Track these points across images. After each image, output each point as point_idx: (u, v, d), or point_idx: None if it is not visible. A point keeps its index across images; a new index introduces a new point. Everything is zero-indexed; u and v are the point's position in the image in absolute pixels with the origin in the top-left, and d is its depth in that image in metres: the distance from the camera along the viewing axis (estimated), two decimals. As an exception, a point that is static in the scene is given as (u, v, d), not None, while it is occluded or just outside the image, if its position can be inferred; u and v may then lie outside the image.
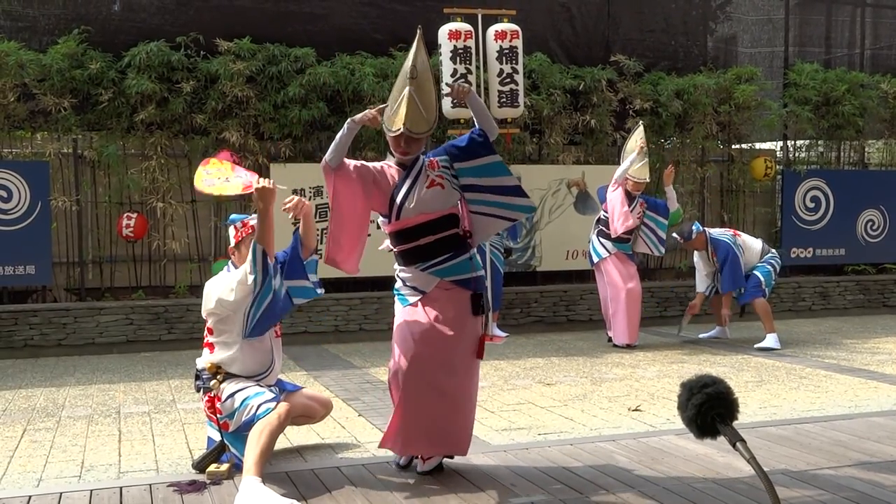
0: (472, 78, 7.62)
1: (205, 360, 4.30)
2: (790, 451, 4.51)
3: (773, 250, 8.70)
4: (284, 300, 4.27)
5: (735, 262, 8.40)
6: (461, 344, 4.07)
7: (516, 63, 7.83)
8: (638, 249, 8.62)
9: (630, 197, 8.33)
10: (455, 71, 7.61)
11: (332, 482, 4.06)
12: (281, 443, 4.63)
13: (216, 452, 4.24)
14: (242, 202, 9.12)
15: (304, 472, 4.25)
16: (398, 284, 4.20)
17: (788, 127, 11.32)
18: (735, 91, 10.61)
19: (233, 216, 4.41)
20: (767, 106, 10.92)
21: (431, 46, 8.41)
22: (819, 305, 11.02)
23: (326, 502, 3.81)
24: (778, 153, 11.71)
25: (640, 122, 8.97)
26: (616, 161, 8.67)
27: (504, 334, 8.77)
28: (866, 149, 12.31)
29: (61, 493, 3.93)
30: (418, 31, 4.09)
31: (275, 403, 4.12)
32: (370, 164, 4.15)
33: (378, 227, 4.44)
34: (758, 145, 11.64)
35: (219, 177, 4.10)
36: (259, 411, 4.08)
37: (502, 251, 8.80)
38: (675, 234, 8.71)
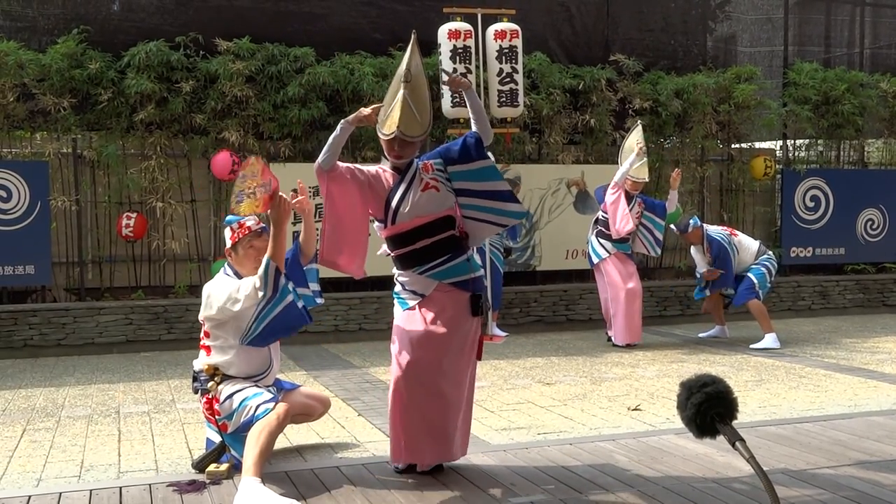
0: (471, 77, 7.63)
1: (202, 361, 4.30)
2: (790, 451, 4.51)
3: (770, 252, 8.68)
4: (298, 314, 4.17)
5: (726, 262, 8.40)
6: (461, 345, 4.07)
7: (516, 62, 7.84)
8: (635, 249, 8.62)
9: (628, 197, 8.33)
10: (455, 70, 7.62)
11: (331, 482, 4.06)
12: (280, 442, 4.63)
13: (216, 453, 4.24)
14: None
15: (303, 471, 4.25)
16: (397, 288, 4.18)
17: (788, 126, 11.32)
18: (734, 90, 10.61)
19: (229, 217, 4.39)
20: (767, 105, 10.92)
21: (431, 46, 8.45)
22: (819, 305, 11.03)
23: (326, 502, 3.81)
24: (777, 152, 11.71)
25: (639, 121, 8.97)
26: (615, 160, 8.67)
27: (504, 334, 8.81)
28: (866, 148, 12.31)
29: (61, 493, 3.93)
30: (413, 35, 4.09)
31: (273, 404, 4.11)
32: (364, 168, 4.13)
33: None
34: (757, 145, 11.65)
35: (249, 187, 4.05)
36: (258, 412, 4.08)
37: (502, 251, 8.80)
38: (672, 226, 8.73)
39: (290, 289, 4.13)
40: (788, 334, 9.11)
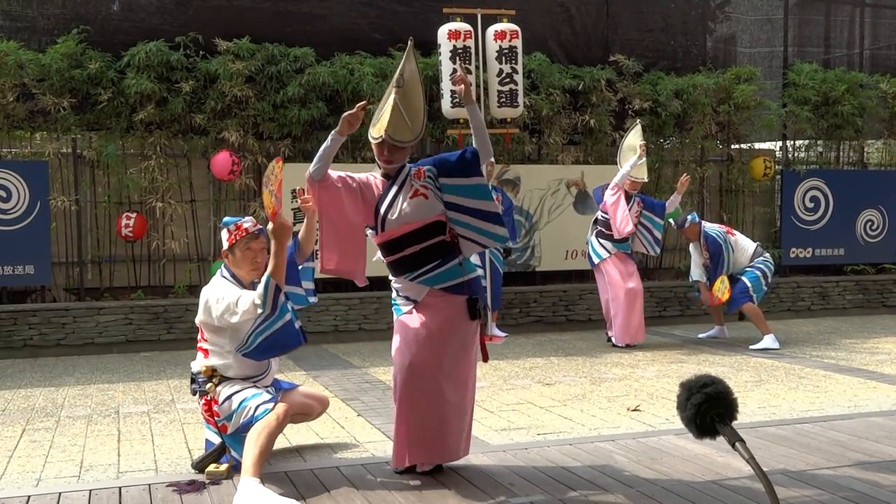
0: (471, 78, 7.62)
1: (200, 363, 4.29)
2: (789, 451, 4.51)
3: (767, 254, 8.67)
4: (294, 334, 4.16)
5: (721, 260, 8.42)
6: (457, 349, 4.05)
7: (516, 63, 7.84)
8: (634, 249, 8.62)
9: (627, 196, 8.33)
10: (454, 71, 7.61)
11: (331, 482, 4.06)
12: (280, 443, 4.63)
13: (216, 453, 4.24)
14: (242, 202, 9.13)
15: (303, 471, 4.25)
16: (393, 294, 4.19)
17: (788, 127, 11.32)
18: (734, 91, 10.61)
19: (226, 219, 4.39)
20: (766, 106, 10.92)
21: (431, 46, 8.45)
22: (818, 305, 11.03)
23: (325, 502, 3.81)
24: (777, 153, 11.71)
25: (638, 120, 8.98)
26: (615, 161, 8.67)
27: (503, 334, 8.80)
28: (865, 149, 12.31)
29: (60, 493, 3.93)
30: (409, 42, 4.09)
31: (273, 404, 4.11)
32: (356, 176, 4.11)
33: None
34: (757, 145, 11.64)
35: (273, 183, 4.09)
36: (257, 413, 4.08)
37: (502, 251, 8.80)
38: (670, 220, 8.75)
39: (289, 308, 4.14)
40: (788, 335, 9.12)
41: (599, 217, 8.51)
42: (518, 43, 7.85)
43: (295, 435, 5.03)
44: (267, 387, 4.35)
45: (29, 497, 3.88)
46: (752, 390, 6.35)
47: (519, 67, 7.86)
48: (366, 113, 4.01)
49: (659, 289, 10.31)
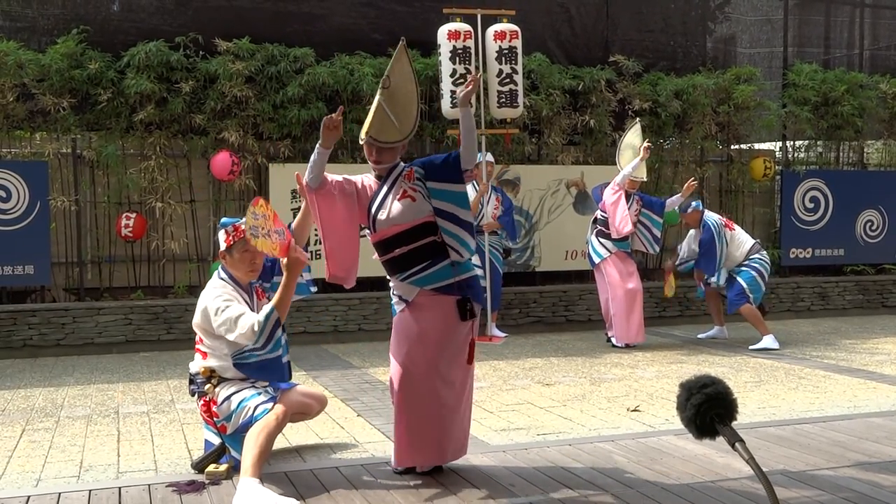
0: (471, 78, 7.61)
1: (198, 364, 4.29)
2: (789, 452, 4.51)
3: (764, 252, 8.65)
4: (280, 371, 4.19)
5: (709, 250, 8.43)
6: (451, 350, 4.05)
7: (515, 63, 7.83)
8: (634, 247, 8.62)
9: (626, 195, 8.33)
10: (454, 71, 7.62)
11: (330, 482, 4.06)
12: (279, 443, 4.63)
13: (216, 454, 4.24)
14: (242, 203, 9.13)
15: (302, 472, 4.25)
16: (391, 293, 4.21)
17: (787, 127, 11.32)
18: (734, 91, 10.62)
19: (224, 220, 4.37)
20: (766, 106, 10.93)
21: (431, 46, 8.45)
22: (818, 306, 11.03)
23: (325, 502, 3.80)
24: (777, 153, 11.72)
25: (637, 119, 8.98)
26: (615, 161, 8.67)
27: (503, 334, 8.79)
28: (865, 149, 12.32)
29: (60, 494, 3.93)
30: (401, 42, 4.09)
31: (272, 404, 4.11)
32: (353, 179, 4.14)
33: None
34: (757, 146, 11.65)
35: (263, 226, 4.06)
36: (256, 413, 4.08)
37: (501, 251, 8.80)
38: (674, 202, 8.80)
39: (283, 342, 4.16)
40: (788, 335, 9.12)
41: (599, 216, 8.51)
42: (518, 43, 7.84)
43: (294, 435, 5.03)
44: (266, 387, 4.35)
45: (28, 497, 3.88)
46: (751, 391, 6.35)
47: (519, 68, 7.86)
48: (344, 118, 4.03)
49: (658, 289, 10.29)
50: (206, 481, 4.07)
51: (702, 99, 10.38)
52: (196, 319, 4.24)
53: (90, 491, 3.97)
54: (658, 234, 8.64)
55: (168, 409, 5.84)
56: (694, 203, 8.67)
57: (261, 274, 4.41)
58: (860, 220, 11.41)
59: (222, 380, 4.24)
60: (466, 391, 4.19)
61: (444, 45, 7.70)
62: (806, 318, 10.71)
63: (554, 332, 9.62)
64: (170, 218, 8.94)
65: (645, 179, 8.55)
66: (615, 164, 8.61)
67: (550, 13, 10.36)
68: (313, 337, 8.87)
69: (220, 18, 9.07)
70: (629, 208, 8.29)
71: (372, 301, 9.14)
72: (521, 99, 7.95)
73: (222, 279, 4.30)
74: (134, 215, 8.68)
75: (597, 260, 8.49)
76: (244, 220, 4.33)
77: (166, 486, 4.00)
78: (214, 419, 4.22)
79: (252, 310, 4.29)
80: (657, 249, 9.00)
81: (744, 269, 8.45)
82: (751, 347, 8.23)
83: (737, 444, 2.04)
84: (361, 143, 4.08)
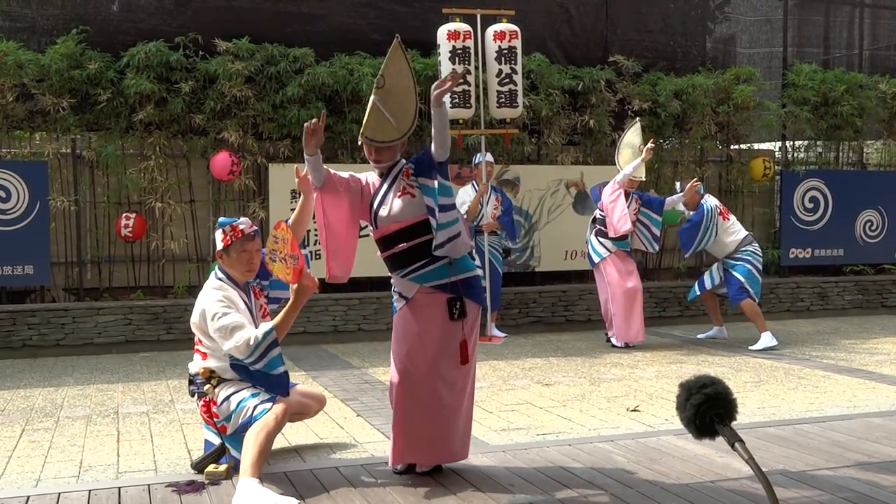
0: (471, 78, 7.62)
1: (197, 365, 4.29)
2: (788, 452, 4.51)
3: (756, 245, 8.59)
4: (283, 385, 4.17)
5: (692, 230, 8.47)
6: (447, 348, 4.05)
7: (515, 63, 7.83)
8: (633, 246, 8.62)
9: (625, 194, 8.33)
10: (453, 71, 7.61)
11: (330, 482, 4.06)
12: (279, 443, 4.63)
13: (215, 454, 4.24)
14: (242, 203, 9.13)
15: (302, 472, 4.25)
16: (392, 290, 4.22)
17: (787, 127, 11.33)
18: (734, 91, 10.62)
19: (221, 219, 4.36)
20: (766, 106, 10.93)
21: (430, 47, 8.45)
22: (817, 306, 11.03)
23: (324, 502, 3.81)
24: (777, 153, 11.72)
25: (637, 119, 8.98)
26: (614, 161, 8.67)
27: (503, 335, 8.80)
28: (865, 149, 12.32)
29: (59, 494, 3.93)
30: (395, 39, 4.09)
31: (271, 404, 4.10)
32: (358, 176, 4.19)
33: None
34: (756, 146, 11.65)
35: (282, 250, 4.07)
36: (255, 413, 4.07)
37: (501, 252, 8.80)
38: (677, 183, 8.83)
39: (282, 360, 4.15)
40: (787, 335, 9.12)
41: (598, 216, 8.50)
42: (517, 43, 7.84)
43: (294, 435, 5.03)
44: (265, 387, 4.34)
45: (28, 497, 3.88)
46: (751, 391, 6.35)
47: (518, 68, 7.85)
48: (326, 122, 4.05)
49: (658, 289, 10.31)
50: (206, 481, 4.07)
51: (701, 99, 10.38)
52: (194, 319, 4.24)
53: (90, 491, 3.97)
54: (657, 232, 8.64)
55: (168, 410, 5.84)
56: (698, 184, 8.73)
57: (259, 271, 4.41)
58: (860, 221, 11.42)
59: (222, 380, 4.24)
60: (468, 393, 4.18)
61: (444, 46, 7.70)
62: (805, 318, 10.71)
63: (553, 332, 9.62)
64: (169, 218, 8.94)
65: (644, 179, 8.55)
66: (615, 164, 8.61)
67: (550, 13, 10.36)
68: (313, 337, 8.87)
69: (220, 18, 9.07)
70: (628, 207, 8.29)
71: (372, 301, 9.14)
72: (520, 99, 7.95)
73: (220, 279, 4.29)
74: (133, 215, 8.68)
75: (596, 259, 8.49)
76: (242, 220, 4.33)
77: (166, 487, 4.00)
78: (214, 419, 4.22)
79: (250, 309, 4.30)
80: (657, 248, 9.00)
81: (738, 263, 8.44)
82: (751, 348, 8.23)
83: (736, 445, 2.04)
84: (360, 143, 4.09)
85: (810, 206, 11.19)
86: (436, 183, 3.98)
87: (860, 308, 11.21)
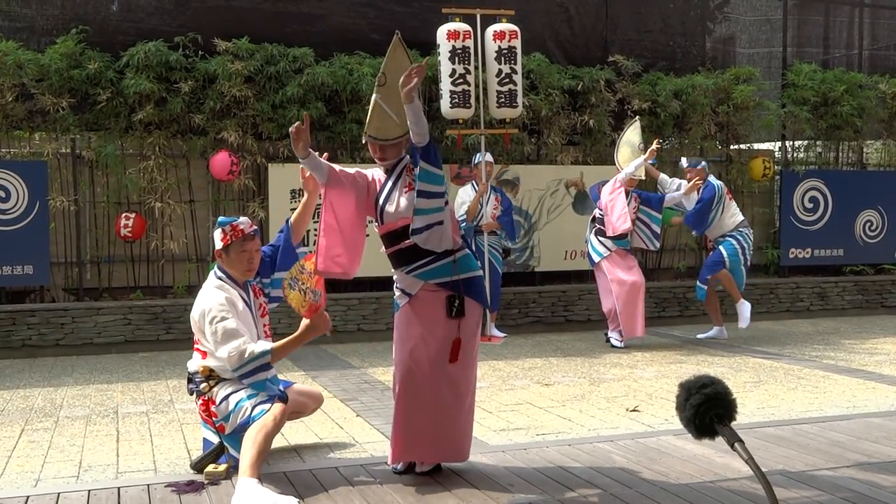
0: (470, 78, 7.62)
1: (197, 363, 4.29)
2: (788, 452, 4.51)
3: (749, 228, 8.76)
4: (276, 390, 4.21)
5: (705, 208, 8.55)
6: (446, 346, 4.05)
7: (515, 63, 7.83)
8: (633, 245, 8.62)
9: (624, 192, 8.33)
10: (454, 71, 7.61)
11: (329, 482, 4.06)
12: (278, 442, 4.63)
13: (215, 454, 4.24)
14: (241, 203, 9.13)
15: (301, 472, 4.25)
16: (395, 287, 4.22)
17: (787, 127, 11.33)
18: (733, 91, 10.62)
19: (221, 218, 4.36)
20: (766, 106, 10.93)
21: (430, 46, 8.44)
22: (817, 306, 11.03)
23: (324, 502, 3.80)
24: (776, 153, 11.72)
25: (637, 118, 8.99)
26: (614, 161, 8.68)
27: (502, 335, 8.78)
28: (864, 149, 12.32)
29: (59, 494, 3.93)
30: (395, 36, 4.09)
31: (269, 405, 4.10)
32: (364, 172, 4.20)
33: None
34: (756, 146, 11.65)
35: (305, 281, 4.06)
36: (254, 412, 4.07)
37: (501, 251, 8.80)
38: (683, 158, 8.91)
39: (276, 381, 4.18)
40: (787, 335, 9.12)
41: (597, 215, 8.51)
42: (517, 43, 7.83)
43: (293, 435, 5.03)
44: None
45: (28, 497, 3.88)
46: (750, 391, 6.35)
47: (518, 68, 7.85)
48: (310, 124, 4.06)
49: (658, 289, 10.31)
50: (205, 481, 4.07)
51: (701, 99, 10.38)
52: (194, 315, 4.23)
53: (89, 491, 3.97)
54: (657, 230, 8.65)
55: (167, 409, 5.84)
56: (704, 163, 8.78)
57: (259, 269, 4.41)
58: (859, 221, 11.42)
59: (221, 379, 4.24)
60: (469, 393, 4.18)
61: (444, 45, 7.69)
62: (805, 319, 10.71)
63: (553, 332, 9.62)
64: (169, 218, 8.94)
65: (643, 178, 8.55)
66: (614, 165, 8.62)
67: (550, 13, 10.36)
68: (312, 337, 8.85)
69: (220, 18, 9.06)
70: (627, 205, 8.29)
71: (371, 301, 9.14)
72: (520, 99, 7.94)
73: (219, 278, 4.29)
74: (133, 215, 8.68)
75: (596, 259, 8.49)
76: (242, 219, 4.33)
77: (165, 486, 4.00)
78: (213, 419, 4.22)
79: (249, 308, 4.29)
80: (657, 246, 9.00)
81: (726, 239, 8.61)
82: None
83: (736, 445, 2.04)
84: (364, 142, 4.10)
85: (810, 206, 11.19)
86: (417, 169, 3.98)
87: (860, 308, 11.21)
